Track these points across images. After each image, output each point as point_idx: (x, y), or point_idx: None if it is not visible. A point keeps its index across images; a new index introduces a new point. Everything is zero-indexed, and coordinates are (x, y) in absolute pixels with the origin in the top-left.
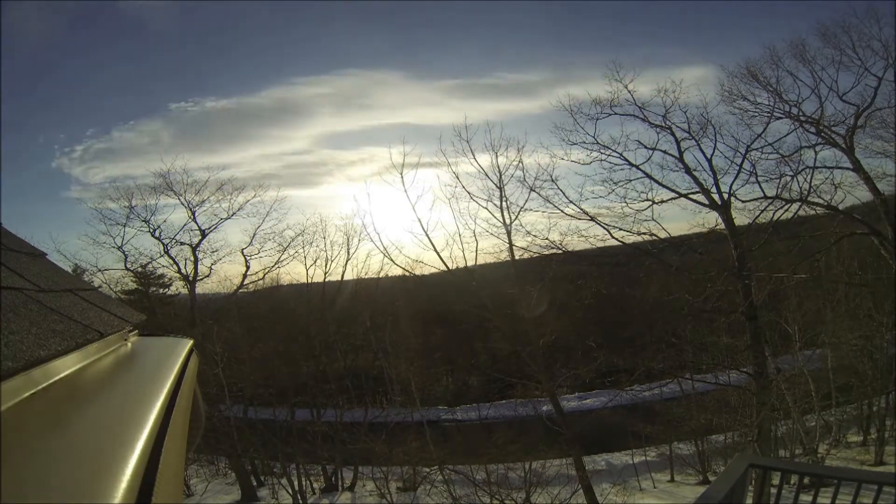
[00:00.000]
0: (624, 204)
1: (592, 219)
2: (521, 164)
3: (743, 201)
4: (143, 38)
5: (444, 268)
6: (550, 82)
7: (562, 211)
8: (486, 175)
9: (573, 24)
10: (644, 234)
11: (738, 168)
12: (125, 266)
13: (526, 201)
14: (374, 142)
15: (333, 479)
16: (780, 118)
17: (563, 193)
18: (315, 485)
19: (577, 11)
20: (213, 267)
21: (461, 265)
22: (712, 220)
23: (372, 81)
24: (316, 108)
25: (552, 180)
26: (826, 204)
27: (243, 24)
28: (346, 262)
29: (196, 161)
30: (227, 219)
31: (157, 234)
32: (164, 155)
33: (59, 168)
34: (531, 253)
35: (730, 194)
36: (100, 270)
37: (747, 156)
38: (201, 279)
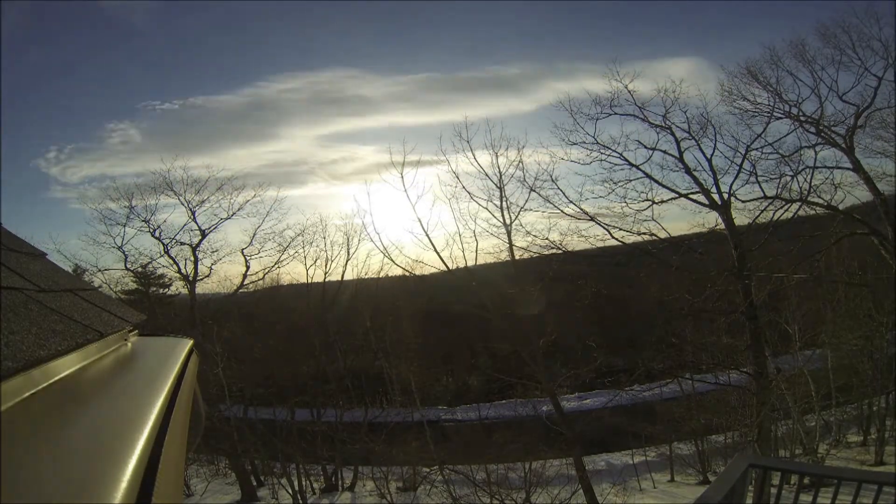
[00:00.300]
0: (624, 204)
1: (592, 219)
2: (521, 164)
3: (743, 201)
4: (117, 37)
5: (444, 268)
6: (535, 75)
7: (562, 211)
8: (486, 175)
9: (556, 18)
10: (644, 234)
11: (738, 168)
12: (125, 266)
13: (526, 201)
14: (355, 140)
15: (333, 479)
16: (780, 118)
17: (563, 193)
18: (315, 485)
19: (565, 7)
20: (213, 267)
21: (461, 265)
22: (712, 220)
23: (348, 78)
24: (295, 107)
25: (552, 180)
26: (826, 204)
27: (218, 21)
28: (346, 262)
29: (172, 160)
30: (227, 219)
31: (157, 234)
32: (140, 154)
33: (37, 168)
34: (531, 253)
35: (730, 194)
36: (100, 270)
37: (747, 156)
38: (201, 279)
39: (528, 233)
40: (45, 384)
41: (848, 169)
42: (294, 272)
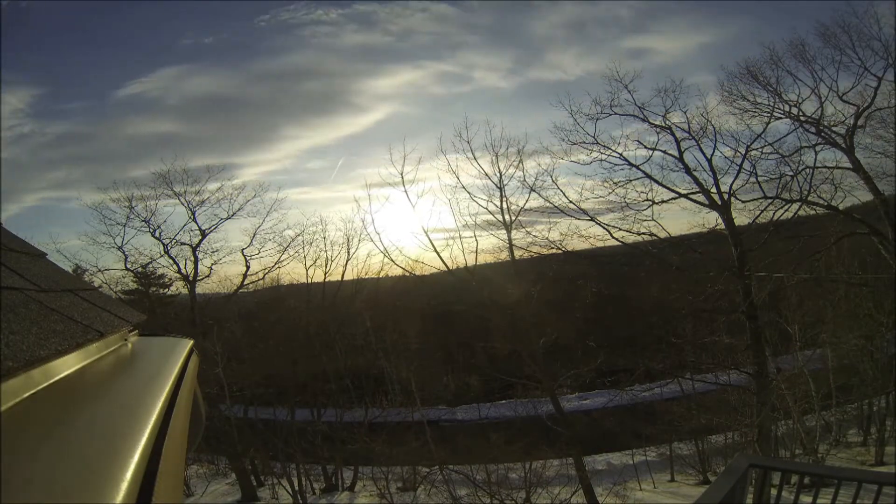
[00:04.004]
0: (624, 204)
1: (592, 219)
2: (521, 164)
3: (743, 201)
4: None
5: (444, 268)
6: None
7: (562, 211)
8: (487, 175)
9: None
10: (644, 234)
11: (738, 168)
12: (125, 266)
13: (526, 201)
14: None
15: (333, 479)
16: (780, 118)
17: (563, 193)
18: (315, 485)
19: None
20: (213, 267)
21: (461, 265)
22: (712, 220)
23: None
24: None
25: (552, 180)
26: (826, 204)
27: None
28: (346, 262)
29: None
30: (227, 219)
31: (157, 234)
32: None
33: None
34: (531, 253)
35: (730, 194)
36: (100, 270)
37: (747, 156)
38: (201, 279)
39: (529, 233)
40: (45, 384)
41: (848, 169)
42: (294, 272)
